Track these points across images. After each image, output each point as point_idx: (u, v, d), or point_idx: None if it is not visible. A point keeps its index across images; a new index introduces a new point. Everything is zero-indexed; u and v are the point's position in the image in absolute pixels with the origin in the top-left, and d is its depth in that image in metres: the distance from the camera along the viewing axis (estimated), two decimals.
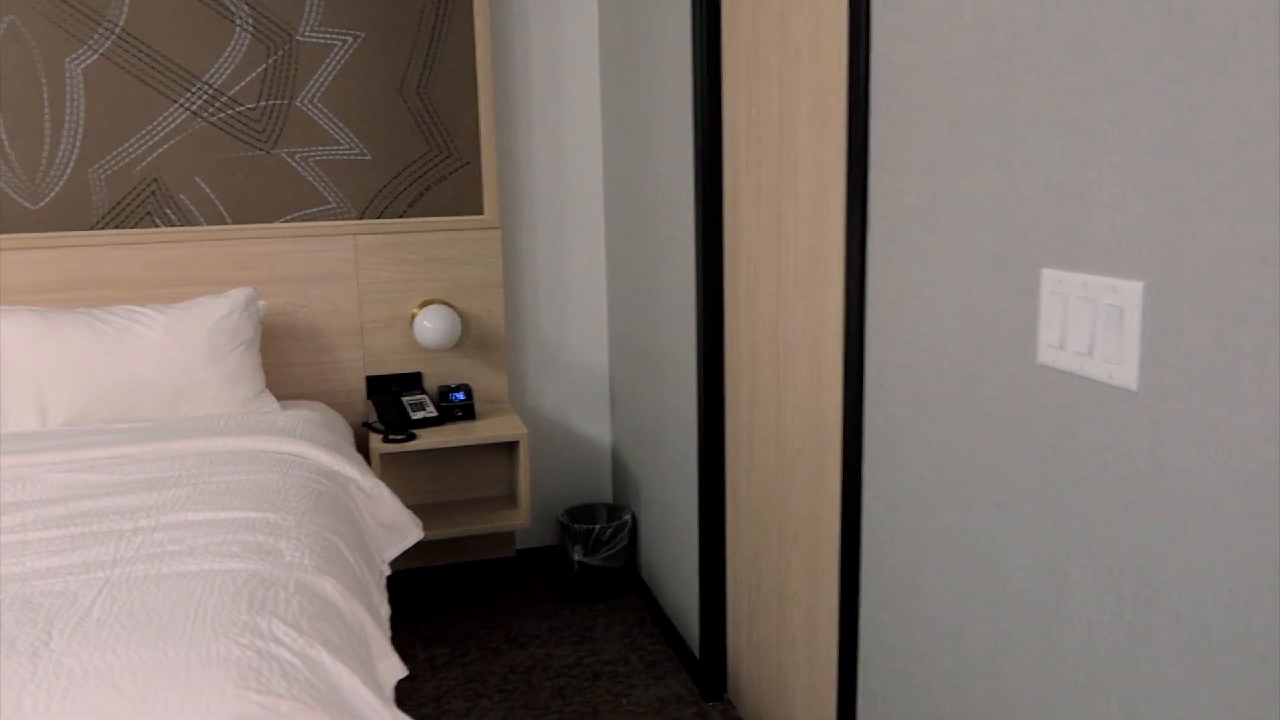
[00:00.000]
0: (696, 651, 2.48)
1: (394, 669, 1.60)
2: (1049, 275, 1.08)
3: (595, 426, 3.28)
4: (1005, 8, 1.12)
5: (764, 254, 1.96)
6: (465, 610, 2.88)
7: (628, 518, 2.96)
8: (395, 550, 2.22)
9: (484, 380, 3.07)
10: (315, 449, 2.19)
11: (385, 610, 1.82)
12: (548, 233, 3.14)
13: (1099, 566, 1.03)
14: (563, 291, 3.18)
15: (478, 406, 3.06)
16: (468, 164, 2.96)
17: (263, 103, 2.79)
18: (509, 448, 3.11)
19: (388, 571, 2.10)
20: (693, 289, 2.29)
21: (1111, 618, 1.02)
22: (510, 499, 3.11)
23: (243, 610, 1.40)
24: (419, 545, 3.12)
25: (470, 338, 3.04)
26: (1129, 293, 0.96)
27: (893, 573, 1.47)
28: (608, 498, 3.34)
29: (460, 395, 2.91)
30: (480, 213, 2.99)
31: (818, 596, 1.82)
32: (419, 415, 2.85)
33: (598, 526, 2.89)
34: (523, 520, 2.91)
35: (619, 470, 3.21)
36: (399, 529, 2.23)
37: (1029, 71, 1.09)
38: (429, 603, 2.93)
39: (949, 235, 1.26)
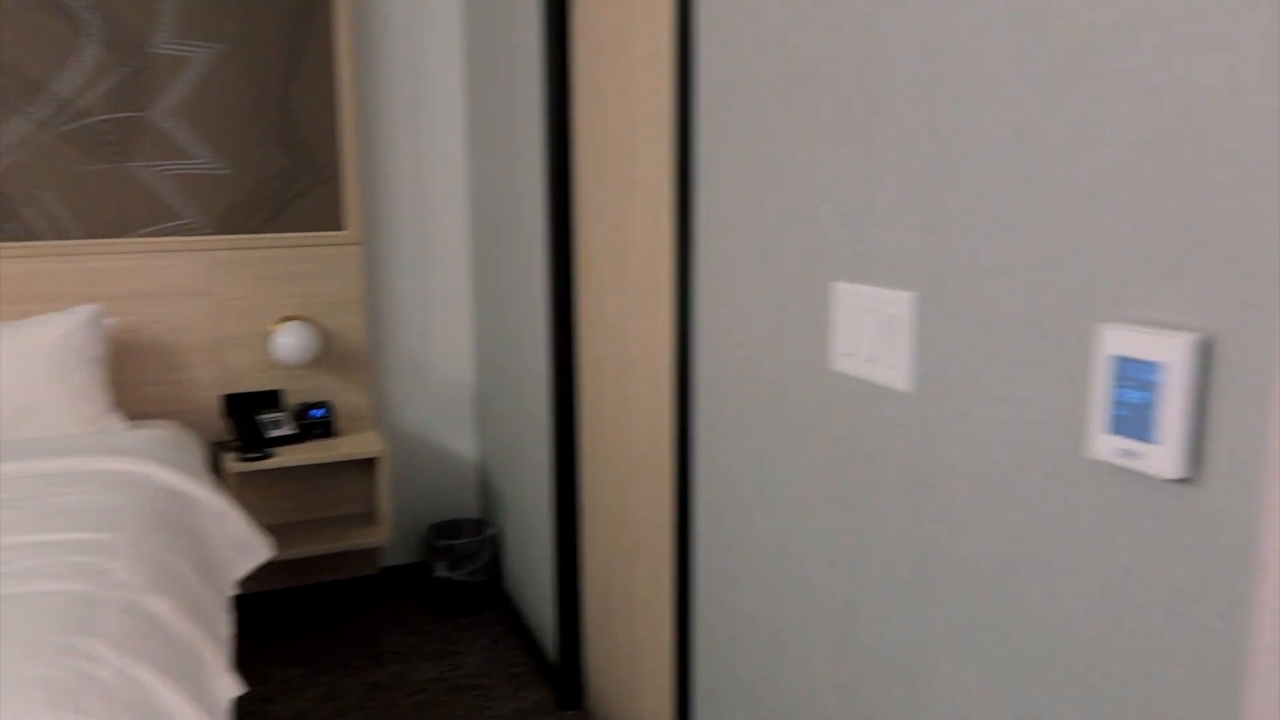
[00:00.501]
0: (555, 662, 2.50)
1: (229, 688, 1.59)
2: (839, 288, 1.15)
3: (461, 441, 3.28)
4: (800, 35, 1.20)
5: (610, 269, 2.01)
6: (327, 630, 2.84)
7: (492, 532, 2.97)
8: (244, 569, 2.18)
9: (346, 397, 3.04)
10: (160, 468, 2.14)
11: (226, 629, 1.79)
12: (411, 248, 3.14)
13: (884, 559, 1.11)
14: (427, 307, 3.18)
15: (339, 424, 3.03)
16: (329, 179, 2.94)
17: (114, 115, 2.72)
18: (372, 464, 3.09)
19: (233, 591, 2.06)
20: (545, 303, 2.34)
21: (896, 607, 1.10)
22: (373, 516, 3.09)
23: (61, 631, 1.37)
24: (281, 565, 3.06)
25: (332, 355, 3.01)
26: (902, 303, 1.05)
27: (719, 574, 1.54)
28: (474, 513, 3.34)
29: (319, 412, 2.88)
30: (341, 228, 2.97)
31: (660, 602, 1.88)
32: (276, 433, 2.81)
33: (461, 542, 2.90)
34: (383, 537, 2.89)
35: (485, 485, 3.22)
36: (248, 548, 2.19)
37: (822, 97, 1.17)
38: (290, 623, 2.88)
39: (760, 250, 1.34)
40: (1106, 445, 0.78)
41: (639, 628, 2.01)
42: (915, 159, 1.01)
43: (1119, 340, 0.77)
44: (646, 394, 1.86)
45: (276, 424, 2.83)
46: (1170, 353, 0.72)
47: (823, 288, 1.20)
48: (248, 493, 2.97)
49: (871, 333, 1.10)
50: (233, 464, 2.67)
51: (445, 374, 3.23)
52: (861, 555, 1.15)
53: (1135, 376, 0.75)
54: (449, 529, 3.08)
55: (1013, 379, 0.90)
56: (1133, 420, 0.76)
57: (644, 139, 1.79)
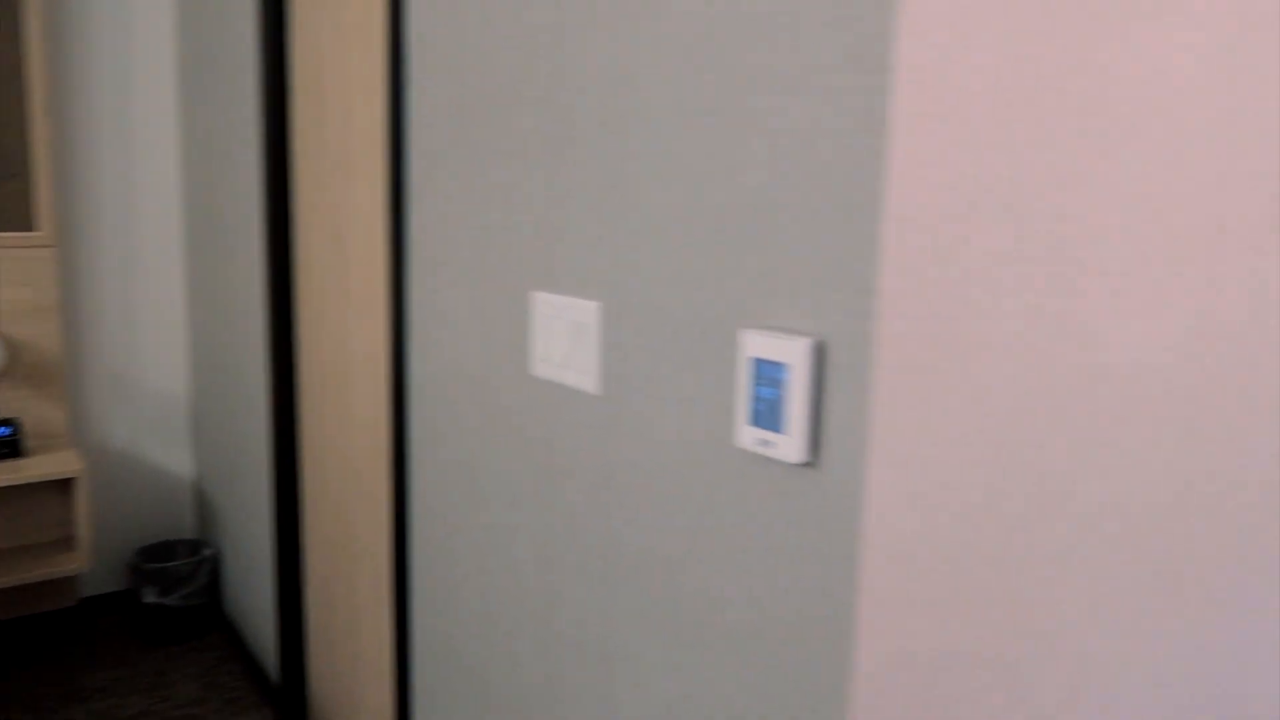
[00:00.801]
0: (278, 683, 2.42)
1: None
2: (537, 297, 1.23)
3: (175, 458, 3.09)
4: (500, 60, 1.26)
5: (330, 277, 1.99)
6: (15, 670, 2.58)
7: (209, 553, 2.83)
8: None
9: (39, 414, 2.79)
10: None
11: None
12: (116, 252, 2.93)
13: (579, 551, 1.19)
14: (134, 315, 2.98)
15: (30, 442, 2.77)
16: (16, 175, 2.69)
17: None
18: (69, 486, 2.84)
19: None
20: (264, 313, 2.27)
21: (590, 594, 1.18)
22: (71, 542, 2.84)
23: None
24: None
25: (21, 367, 2.75)
26: (590, 311, 1.13)
27: (436, 574, 1.57)
28: (190, 533, 3.15)
29: (5, 430, 2.62)
30: (32, 229, 2.73)
31: (380, 610, 1.88)
32: None
33: (175, 564, 2.73)
34: (81, 564, 2.67)
35: (202, 503, 3.05)
36: None
37: (520, 120, 1.24)
38: None
39: (468, 261, 1.39)
40: (749, 436, 0.90)
41: (362, 638, 1.99)
42: (598, 180, 1.09)
43: (756, 344, 0.88)
44: (366, 402, 1.86)
45: None
46: (793, 355, 0.84)
47: (523, 297, 1.26)
48: None
49: (565, 339, 1.18)
50: None
51: (156, 386, 3.03)
52: (561, 548, 1.23)
53: (769, 375, 0.87)
54: (160, 551, 2.89)
55: (680, 379, 1.00)
56: (768, 413, 0.87)
57: (360, 148, 1.79)
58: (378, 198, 1.73)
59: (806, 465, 0.86)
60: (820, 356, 0.84)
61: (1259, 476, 1.28)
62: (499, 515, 1.36)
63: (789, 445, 0.86)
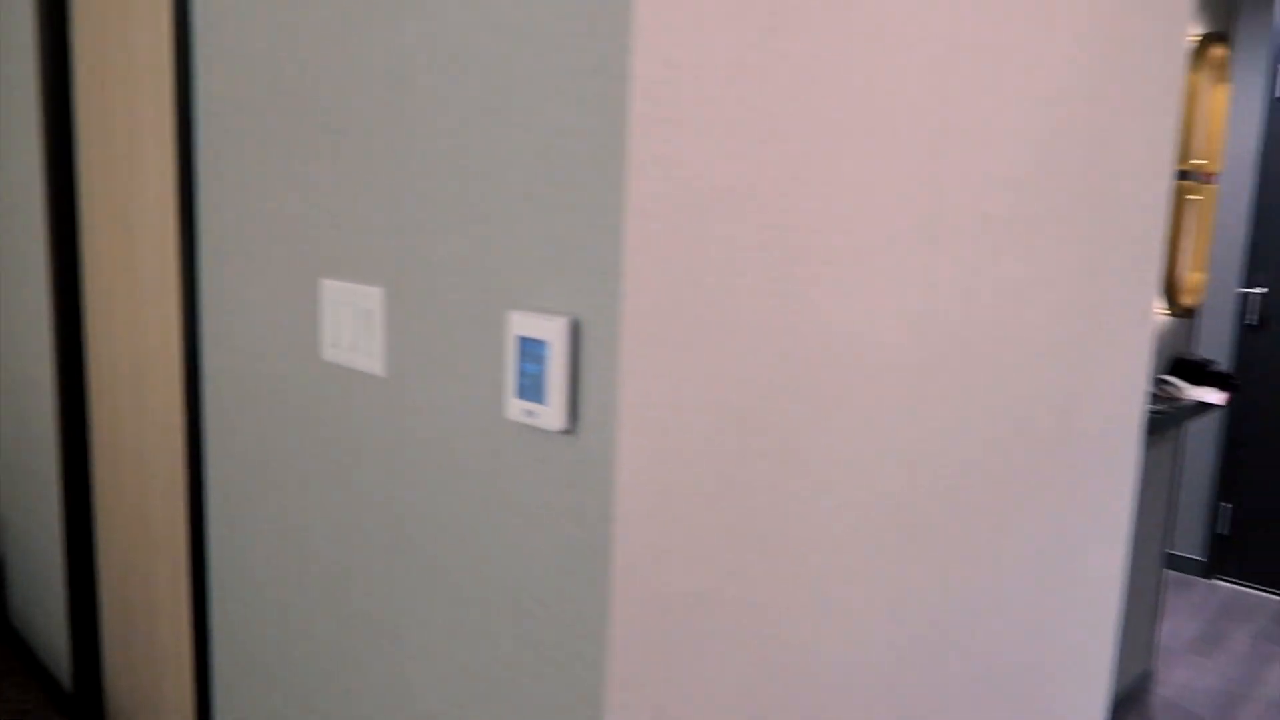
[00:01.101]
0: (71, 691, 2.33)
1: None
2: (325, 284, 1.27)
3: None
4: (285, 53, 1.30)
5: (120, 267, 1.94)
6: None
7: None
8: None
9: None
10: None
11: None
12: None
13: (370, 527, 1.25)
14: None
15: None
16: None
17: None
18: None
19: None
20: (48, 304, 2.18)
21: (381, 568, 1.24)
22: None
23: None
24: None
25: None
26: (374, 297, 1.19)
27: (233, 561, 1.58)
28: None
29: None
30: None
31: (179, 604, 1.86)
32: None
33: None
34: None
35: None
36: None
37: (305, 111, 1.27)
38: None
39: (260, 248, 1.41)
40: (516, 407, 0.98)
41: (161, 635, 1.96)
42: (381, 172, 1.15)
43: (520, 323, 0.97)
44: (160, 394, 1.83)
45: None
46: (552, 333, 0.93)
47: (313, 284, 1.30)
48: None
49: (353, 325, 1.23)
50: None
51: None
52: (352, 526, 1.28)
53: (532, 352, 0.96)
54: None
55: (457, 358, 1.08)
56: (532, 387, 0.96)
57: (149, 136, 1.76)
58: (167, 186, 1.72)
59: (566, 432, 0.96)
60: (576, 334, 0.93)
61: (976, 436, 1.47)
62: (294, 498, 1.40)
63: (550, 415, 0.95)
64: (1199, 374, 2.54)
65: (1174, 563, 3.76)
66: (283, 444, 1.40)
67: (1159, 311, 2.52)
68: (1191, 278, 2.60)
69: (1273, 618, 3.38)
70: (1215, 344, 3.62)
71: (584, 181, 0.92)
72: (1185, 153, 2.48)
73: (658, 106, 0.90)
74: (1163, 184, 2.01)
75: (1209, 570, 3.71)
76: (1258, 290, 3.54)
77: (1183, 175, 2.50)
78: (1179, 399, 2.41)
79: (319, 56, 1.24)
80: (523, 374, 0.97)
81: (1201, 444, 3.69)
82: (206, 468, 1.62)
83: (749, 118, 1.00)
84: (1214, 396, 2.45)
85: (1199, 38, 2.46)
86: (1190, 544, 3.74)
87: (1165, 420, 2.33)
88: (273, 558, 1.46)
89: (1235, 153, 3.55)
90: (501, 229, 1.00)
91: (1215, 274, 3.61)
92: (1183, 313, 2.59)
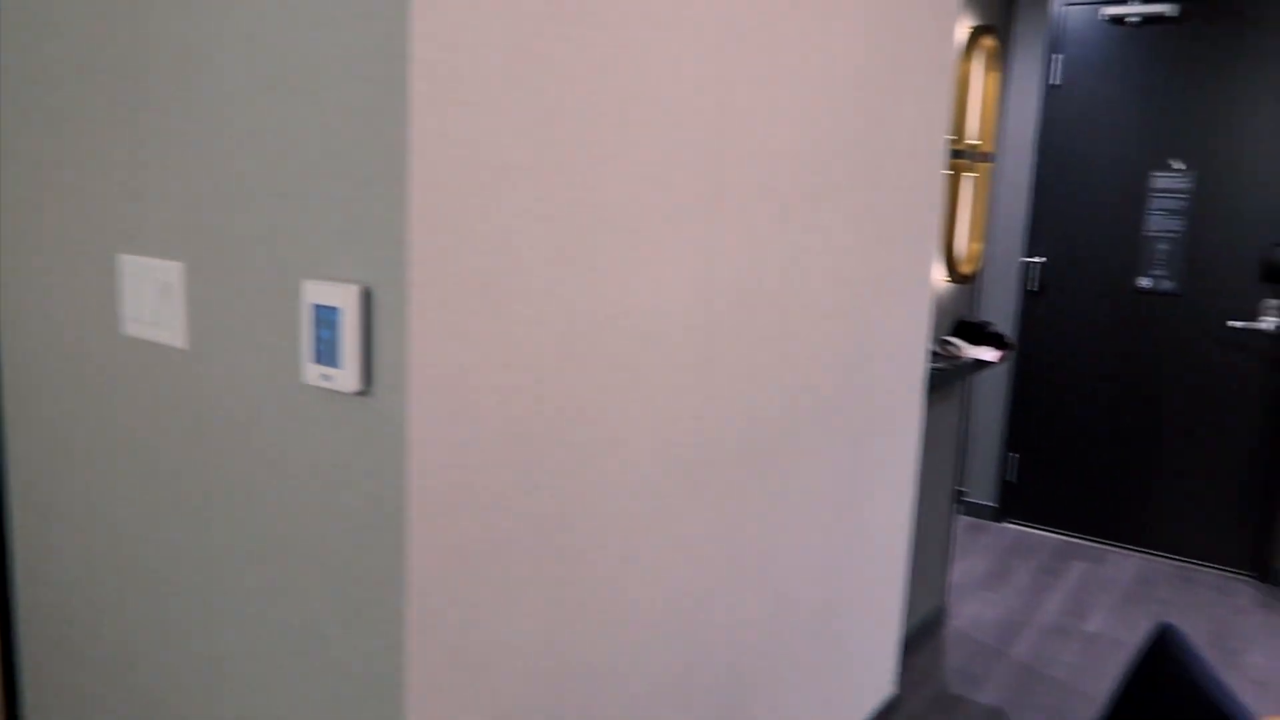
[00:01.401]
0: None
1: None
2: (124, 260, 1.28)
3: None
4: (83, 20, 1.28)
5: None
6: None
7: None
8: None
9: None
10: None
11: None
12: None
13: (177, 498, 1.27)
14: None
15: None
16: None
17: None
18: None
19: None
20: None
21: (189, 539, 1.26)
22: None
23: None
24: None
25: None
26: (174, 271, 1.21)
27: (37, 542, 1.55)
28: None
29: None
30: None
31: None
32: None
33: None
34: None
35: None
36: None
37: (99, 87, 1.27)
38: None
39: (58, 225, 1.39)
40: (313, 372, 1.04)
41: None
42: (177, 147, 1.17)
43: (315, 291, 1.02)
44: None
45: None
46: (344, 300, 0.99)
47: (111, 260, 1.31)
48: None
49: (153, 298, 1.24)
50: None
51: None
52: (159, 497, 1.30)
53: (326, 319, 1.01)
54: None
55: (256, 328, 1.12)
56: (328, 352, 1.02)
57: None
58: None
59: (361, 394, 1.02)
60: (368, 300, 1.00)
61: (765, 394, 1.62)
62: (99, 474, 1.39)
63: (345, 378, 1.01)
64: (978, 334, 2.80)
65: (970, 510, 4.12)
66: (85, 421, 1.40)
67: (940, 278, 2.76)
68: (971, 247, 2.86)
69: (1051, 553, 3.77)
70: (1001, 308, 3.97)
71: (370, 156, 0.98)
72: (961, 134, 2.73)
73: (438, 86, 0.97)
74: (937, 161, 2.21)
75: (1000, 515, 4.08)
76: (1037, 259, 3.91)
77: (959, 154, 2.75)
78: (959, 357, 2.66)
79: (115, 30, 1.24)
80: (318, 340, 1.02)
81: (992, 399, 4.04)
82: (6, 454, 1.59)
83: (530, 98, 1.08)
84: (990, 355, 2.71)
85: (971, 29, 2.70)
86: (983, 491, 4.10)
87: (948, 376, 2.57)
88: (79, 536, 1.46)
89: (1017, 135, 3.89)
90: (295, 202, 1.05)
91: (1000, 245, 3.96)
92: (963, 279, 2.85)
